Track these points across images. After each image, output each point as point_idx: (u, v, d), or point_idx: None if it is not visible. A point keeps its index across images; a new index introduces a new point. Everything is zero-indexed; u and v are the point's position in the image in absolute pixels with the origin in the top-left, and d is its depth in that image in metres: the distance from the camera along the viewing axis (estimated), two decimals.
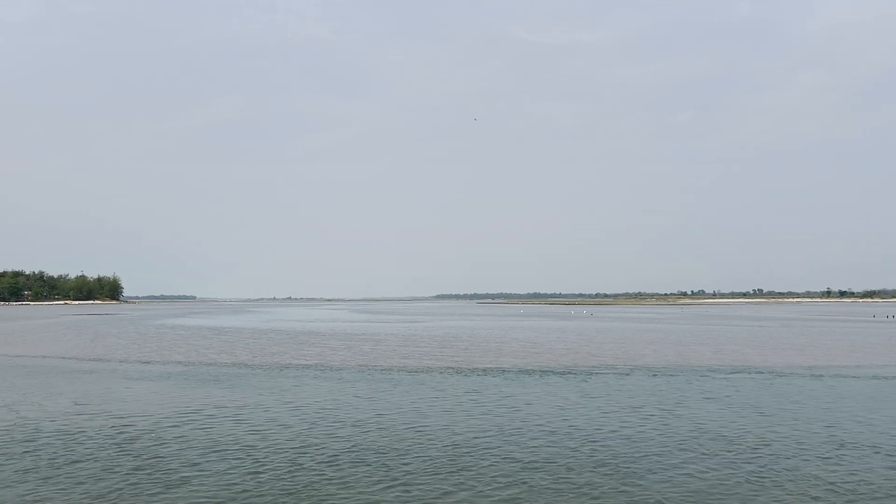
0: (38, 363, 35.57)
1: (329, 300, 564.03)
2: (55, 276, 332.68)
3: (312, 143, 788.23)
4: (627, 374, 29.17)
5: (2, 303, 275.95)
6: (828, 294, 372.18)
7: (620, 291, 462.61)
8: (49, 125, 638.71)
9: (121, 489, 12.29)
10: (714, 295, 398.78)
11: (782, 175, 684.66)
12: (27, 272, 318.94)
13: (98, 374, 30.18)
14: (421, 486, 12.45)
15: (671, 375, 28.76)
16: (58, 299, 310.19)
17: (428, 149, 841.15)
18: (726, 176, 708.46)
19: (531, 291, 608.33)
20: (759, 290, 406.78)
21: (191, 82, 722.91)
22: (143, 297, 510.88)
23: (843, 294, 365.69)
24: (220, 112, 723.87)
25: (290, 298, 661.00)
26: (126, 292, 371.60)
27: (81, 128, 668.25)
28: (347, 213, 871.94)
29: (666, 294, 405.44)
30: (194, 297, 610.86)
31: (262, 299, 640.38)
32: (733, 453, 14.86)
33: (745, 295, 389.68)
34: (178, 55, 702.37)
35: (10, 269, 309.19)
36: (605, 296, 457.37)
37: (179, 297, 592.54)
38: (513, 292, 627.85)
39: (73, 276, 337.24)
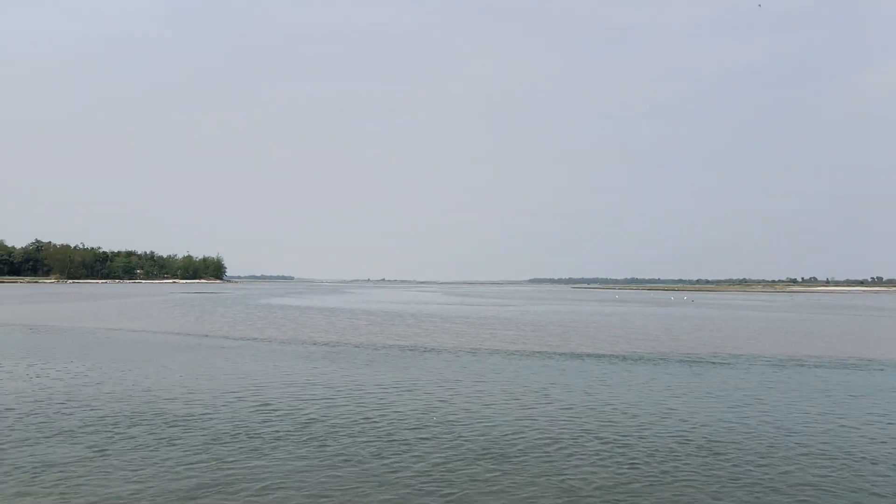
0: (160, 339, 36.02)
1: (421, 282, 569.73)
2: (164, 256, 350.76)
3: (404, 124, 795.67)
4: (782, 367, 26.35)
5: (117, 280, 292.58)
6: None
7: (723, 277, 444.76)
8: (145, 110, 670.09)
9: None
10: (827, 282, 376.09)
11: None
12: (139, 252, 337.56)
13: (228, 351, 30.04)
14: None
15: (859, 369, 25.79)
16: (167, 278, 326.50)
17: (518, 131, 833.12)
18: (839, 154, 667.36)
19: (628, 276, 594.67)
20: (878, 277, 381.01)
21: (278, 67, 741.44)
22: (244, 277, 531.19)
23: None
24: (309, 94, 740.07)
25: (383, 280, 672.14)
26: (228, 272, 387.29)
27: (174, 111, 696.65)
28: (439, 196, 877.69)
29: (773, 281, 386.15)
30: (292, 278, 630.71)
31: (356, 280, 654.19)
32: None
33: (861, 283, 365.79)
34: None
35: (124, 249, 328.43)
36: (707, 282, 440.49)
37: (278, 277, 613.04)
38: (609, 277, 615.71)
39: (180, 256, 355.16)
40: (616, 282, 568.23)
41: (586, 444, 13.77)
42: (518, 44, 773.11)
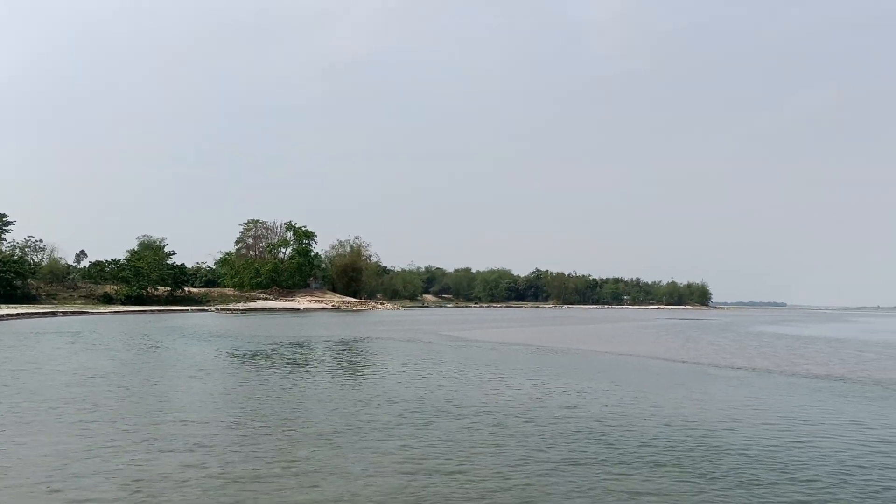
0: (651, 364, 36.96)
1: None
2: (649, 283, 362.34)
3: None
4: None
5: (605, 305, 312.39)
6: None
7: None
8: None
9: None
10: None
11: None
12: (626, 279, 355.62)
13: (725, 380, 29.28)
14: None
15: None
16: (651, 303, 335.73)
17: None
18: None
19: None
20: None
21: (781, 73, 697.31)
22: (730, 303, 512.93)
23: None
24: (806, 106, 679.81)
25: None
26: (714, 298, 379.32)
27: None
28: None
29: None
30: (784, 304, 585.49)
31: (862, 308, 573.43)
32: None
33: None
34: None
35: (611, 276, 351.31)
36: None
37: (768, 304, 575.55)
38: None
39: (664, 282, 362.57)
40: None
41: None
42: None
